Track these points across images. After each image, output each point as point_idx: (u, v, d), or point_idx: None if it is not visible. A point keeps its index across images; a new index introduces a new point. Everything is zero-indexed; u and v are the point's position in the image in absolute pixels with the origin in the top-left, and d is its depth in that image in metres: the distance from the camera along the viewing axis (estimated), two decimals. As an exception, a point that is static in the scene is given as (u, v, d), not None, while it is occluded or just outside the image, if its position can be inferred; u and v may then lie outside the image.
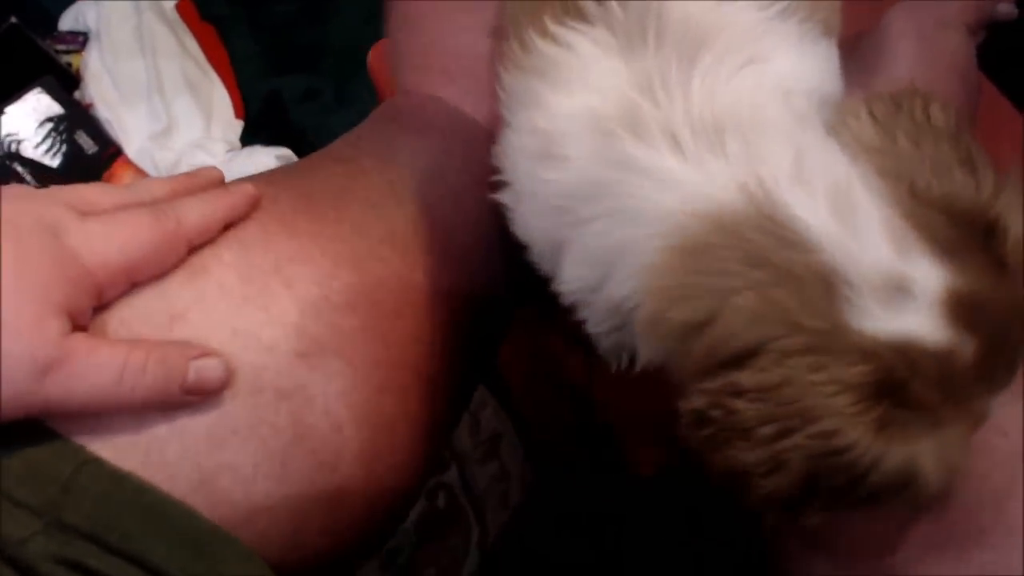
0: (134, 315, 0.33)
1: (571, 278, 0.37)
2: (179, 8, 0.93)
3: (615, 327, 0.36)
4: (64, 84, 0.92)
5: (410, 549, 0.68)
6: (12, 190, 0.32)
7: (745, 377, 0.30)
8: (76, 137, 0.90)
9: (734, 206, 0.31)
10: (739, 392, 0.30)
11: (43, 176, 0.90)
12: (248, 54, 0.92)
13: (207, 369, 0.32)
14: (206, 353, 0.32)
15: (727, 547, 0.63)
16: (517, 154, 0.39)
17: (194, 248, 0.34)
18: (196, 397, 0.32)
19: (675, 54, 0.35)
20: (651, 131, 0.34)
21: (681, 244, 0.32)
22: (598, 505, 0.68)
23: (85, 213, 0.32)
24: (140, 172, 0.88)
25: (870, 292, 0.30)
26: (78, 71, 0.93)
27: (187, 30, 0.93)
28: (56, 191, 0.33)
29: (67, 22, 0.95)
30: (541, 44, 0.37)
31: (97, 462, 0.31)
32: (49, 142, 0.90)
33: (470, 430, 0.71)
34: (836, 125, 0.34)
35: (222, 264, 0.35)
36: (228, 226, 0.36)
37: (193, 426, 0.32)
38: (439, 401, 0.40)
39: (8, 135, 0.90)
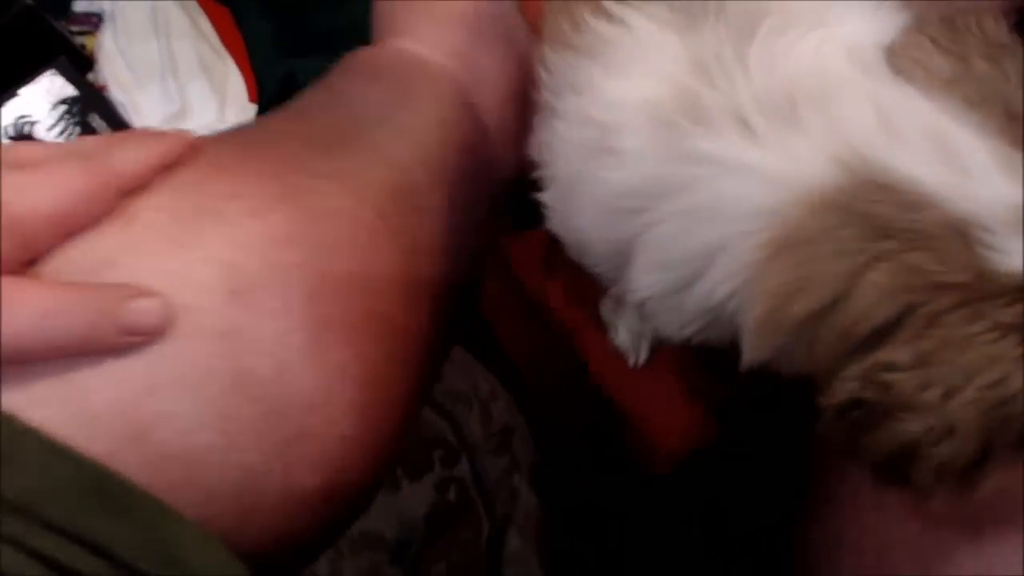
0: (66, 264, 0.31)
1: (646, 283, 0.35)
2: (193, -11, 0.92)
3: (703, 328, 0.35)
4: (78, 66, 0.91)
5: (420, 543, 0.67)
6: None
7: (896, 351, 0.29)
8: (89, 119, 0.89)
9: (830, 181, 0.30)
10: (892, 367, 0.29)
11: (57, 159, 0.89)
12: (262, 37, 0.91)
13: (144, 311, 0.30)
14: (143, 293, 0.31)
15: (741, 546, 0.62)
16: (566, 147, 0.37)
17: (127, 194, 0.33)
18: (133, 339, 0.30)
19: (732, 29, 0.33)
20: (715, 117, 0.32)
21: (781, 235, 0.30)
22: (609, 502, 0.67)
23: (16, 167, 0.31)
24: (153, 156, 0.88)
25: (1002, 229, 0.28)
26: (92, 53, 0.92)
27: (201, 12, 0.92)
28: None
29: (81, 3, 0.94)
30: (594, 22, 0.35)
31: (32, 433, 0.29)
32: (63, 124, 0.90)
33: (482, 422, 0.70)
34: (903, 65, 0.32)
35: (153, 208, 0.33)
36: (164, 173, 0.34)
37: (122, 373, 0.31)
38: (398, 345, 0.38)
39: (22, 117, 0.89)
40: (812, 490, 0.42)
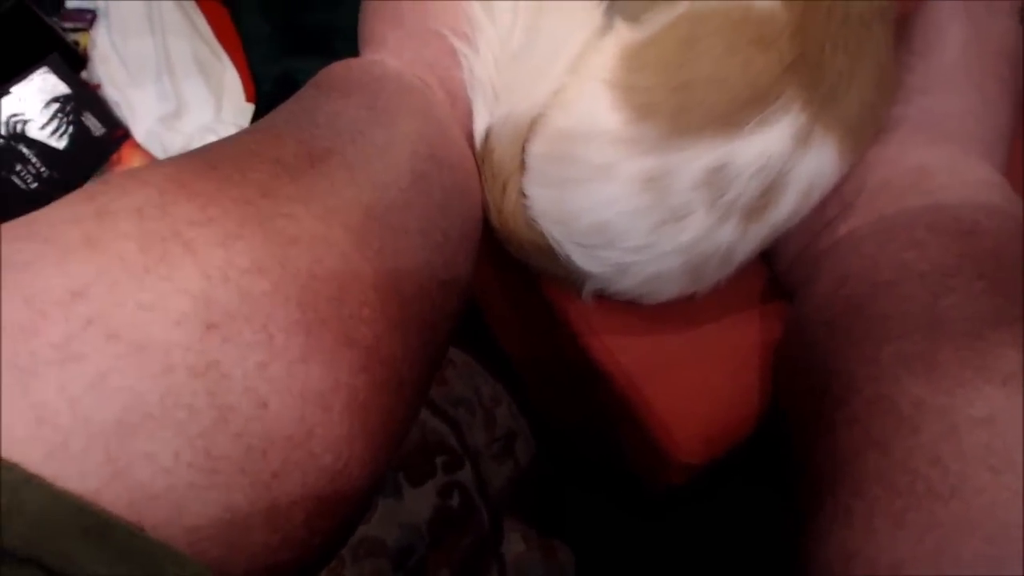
0: (36, 292, 0.29)
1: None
2: (189, -14, 0.91)
3: None
4: (71, 63, 0.90)
5: (423, 549, 0.66)
6: None
7: None
8: (83, 118, 0.88)
9: None
10: None
11: (49, 158, 0.88)
12: (259, 36, 0.90)
13: None
14: None
15: (742, 562, 0.61)
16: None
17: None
18: None
19: None
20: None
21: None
22: (616, 510, 0.67)
23: None
24: (148, 156, 0.86)
25: None
26: (85, 50, 0.91)
27: (197, 10, 0.90)
28: None
29: (74, 0, 0.93)
30: None
31: (32, 481, 0.28)
32: (55, 123, 0.88)
33: (485, 427, 0.70)
34: None
35: (120, 235, 0.32)
36: (125, 194, 0.33)
37: (99, 414, 0.29)
38: (379, 370, 0.36)
39: (14, 115, 0.88)
40: (820, 505, 0.41)
